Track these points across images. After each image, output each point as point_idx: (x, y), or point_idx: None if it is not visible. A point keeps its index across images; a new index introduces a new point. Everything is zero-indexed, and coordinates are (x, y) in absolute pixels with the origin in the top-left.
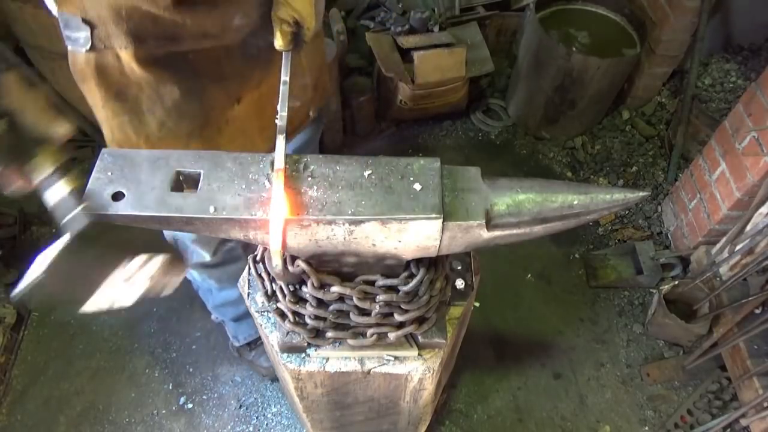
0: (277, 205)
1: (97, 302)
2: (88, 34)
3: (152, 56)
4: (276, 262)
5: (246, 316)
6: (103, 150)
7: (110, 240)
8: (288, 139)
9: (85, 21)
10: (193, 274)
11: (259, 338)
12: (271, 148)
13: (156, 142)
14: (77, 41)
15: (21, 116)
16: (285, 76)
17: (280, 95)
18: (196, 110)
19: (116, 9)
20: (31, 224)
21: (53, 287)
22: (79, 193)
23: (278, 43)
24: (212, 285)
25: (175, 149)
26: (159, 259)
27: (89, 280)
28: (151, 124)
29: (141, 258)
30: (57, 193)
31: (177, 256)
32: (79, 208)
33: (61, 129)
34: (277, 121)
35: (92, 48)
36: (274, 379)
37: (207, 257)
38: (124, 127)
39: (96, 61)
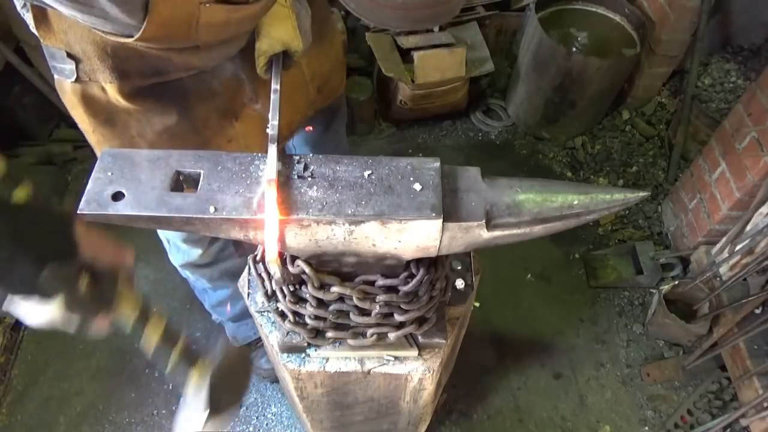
0: (271, 216)
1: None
2: (73, 67)
3: (137, 88)
4: (274, 270)
5: (244, 316)
6: (103, 150)
7: None
8: (286, 141)
9: (70, 55)
10: (186, 274)
11: (259, 339)
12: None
13: None
14: (62, 71)
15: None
16: (275, 85)
17: (271, 104)
18: (188, 131)
19: (101, 45)
20: None
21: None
22: (187, 355)
23: (259, 70)
24: (206, 284)
25: None
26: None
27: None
28: (143, 147)
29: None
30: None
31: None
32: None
33: (127, 259)
34: (268, 130)
35: (78, 80)
36: (274, 380)
37: (197, 256)
38: None
39: (82, 91)
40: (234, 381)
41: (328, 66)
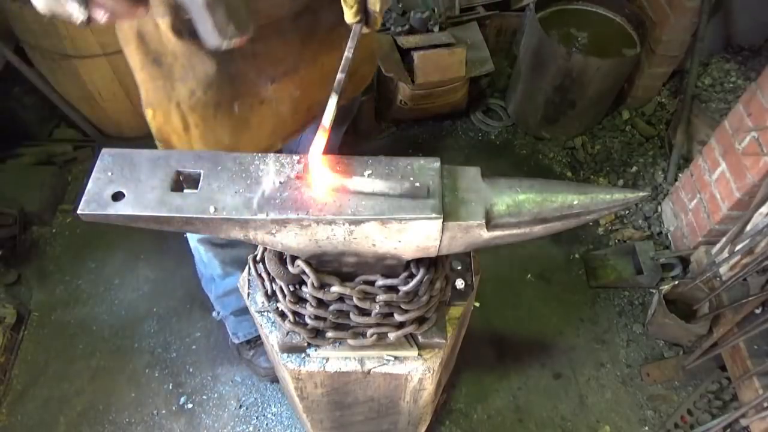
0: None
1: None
2: None
3: (187, 28)
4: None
5: (247, 311)
6: (103, 150)
7: None
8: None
9: None
10: (200, 253)
11: (259, 337)
12: (299, 130)
13: (186, 109)
14: None
15: None
16: (351, 43)
17: (343, 60)
18: (226, 83)
19: None
20: (31, 224)
21: None
22: None
23: (346, 15)
24: (216, 269)
25: (204, 119)
26: None
27: None
28: (183, 92)
29: None
30: None
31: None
32: None
33: None
34: (335, 83)
35: None
36: (274, 380)
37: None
38: (159, 91)
39: (137, 27)
40: None
41: (360, 53)
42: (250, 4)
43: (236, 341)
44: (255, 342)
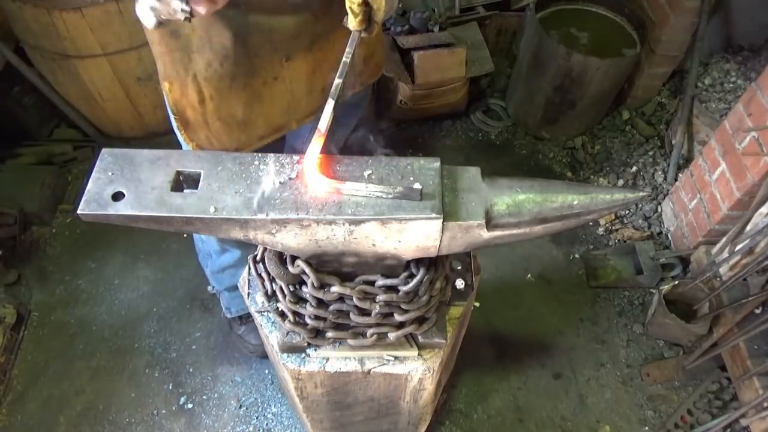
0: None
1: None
2: None
3: None
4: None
5: None
6: (103, 150)
7: None
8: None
9: None
10: None
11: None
12: (313, 112)
13: (202, 81)
14: None
15: None
16: (350, 49)
17: (340, 66)
18: (241, 56)
19: None
20: (31, 224)
21: None
22: None
23: (350, 22)
24: (213, 245)
25: (219, 92)
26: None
27: None
28: (199, 64)
29: None
30: None
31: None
32: None
33: None
34: (333, 86)
35: None
36: (262, 356)
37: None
38: (176, 63)
39: None
40: None
41: (373, 37)
42: None
43: (229, 316)
44: (247, 318)
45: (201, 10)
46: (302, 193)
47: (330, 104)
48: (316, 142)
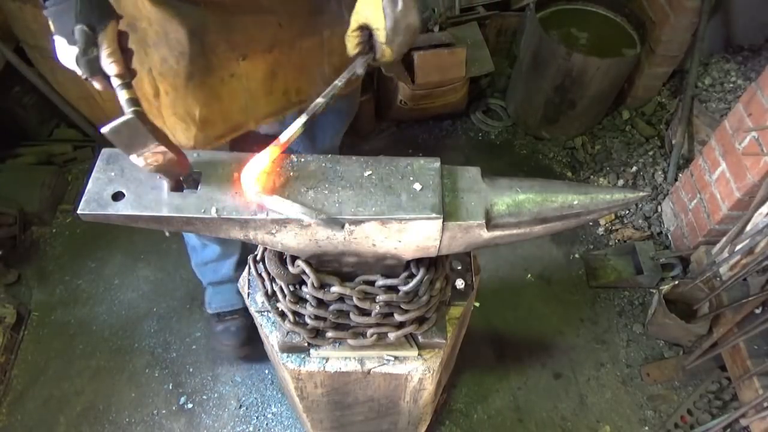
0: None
1: (136, 159)
2: None
3: None
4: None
5: (224, 284)
6: (103, 150)
7: None
8: (296, 109)
9: None
10: None
11: (230, 312)
12: (273, 113)
13: (157, 75)
14: None
15: None
16: (345, 73)
17: (329, 87)
18: (197, 54)
19: None
20: (31, 224)
21: (122, 137)
22: (133, 102)
23: (348, 47)
24: (192, 238)
25: (175, 88)
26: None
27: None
28: (155, 58)
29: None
30: (121, 99)
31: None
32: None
33: (114, 69)
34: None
35: None
36: (239, 357)
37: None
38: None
39: None
40: None
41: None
42: None
43: (209, 311)
44: (224, 316)
45: (97, 85)
46: (302, 193)
47: (301, 119)
48: (270, 150)
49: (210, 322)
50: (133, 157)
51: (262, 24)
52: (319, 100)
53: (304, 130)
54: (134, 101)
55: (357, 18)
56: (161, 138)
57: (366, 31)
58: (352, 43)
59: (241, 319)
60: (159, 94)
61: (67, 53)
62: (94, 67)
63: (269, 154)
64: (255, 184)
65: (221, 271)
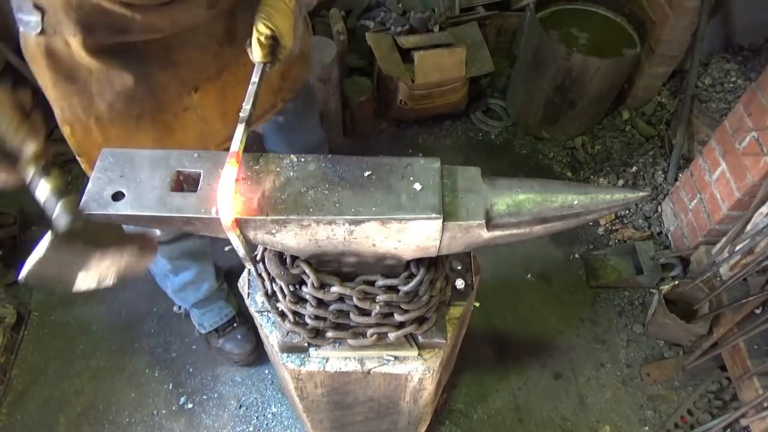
0: (226, 183)
1: (84, 282)
2: (39, 18)
3: (101, 45)
4: (236, 245)
5: (208, 302)
6: (103, 150)
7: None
8: (253, 126)
9: (36, 6)
10: None
11: (227, 324)
12: (231, 135)
13: (106, 122)
14: (28, 24)
15: None
16: (254, 78)
17: (247, 94)
18: (147, 95)
19: None
20: (31, 224)
21: (50, 271)
22: (60, 192)
23: (255, 54)
24: (165, 266)
25: (125, 130)
26: (130, 248)
27: (77, 265)
28: (101, 106)
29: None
30: (42, 192)
31: (147, 244)
32: (59, 207)
33: (30, 147)
34: (241, 113)
35: (42, 32)
36: (247, 364)
37: (157, 232)
38: (74, 107)
39: (46, 45)
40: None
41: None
42: (167, 15)
43: (203, 331)
44: (223, 330)
45: None
46: (302, 193)
47: (240, 129)
48: (230, 165)
49: (207, 341)
50: (81, 281)
51: (202, 50)
52: (245, 106)
53: (281, 134)
54: (59, 190)
55: (270, 27)
56: (107, 238)
57: (275, 42)
58: (263, 50)
59: (241, 325)
60: (110, 139)
61: None
62: None
63: (230, 176)
64: (231, 212)
65: (203, 288)
